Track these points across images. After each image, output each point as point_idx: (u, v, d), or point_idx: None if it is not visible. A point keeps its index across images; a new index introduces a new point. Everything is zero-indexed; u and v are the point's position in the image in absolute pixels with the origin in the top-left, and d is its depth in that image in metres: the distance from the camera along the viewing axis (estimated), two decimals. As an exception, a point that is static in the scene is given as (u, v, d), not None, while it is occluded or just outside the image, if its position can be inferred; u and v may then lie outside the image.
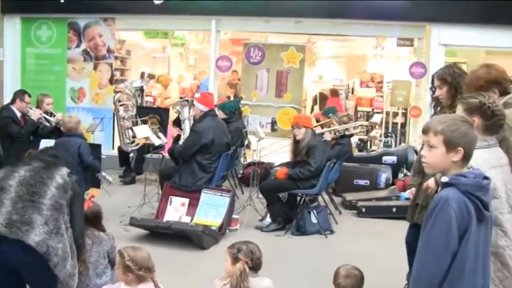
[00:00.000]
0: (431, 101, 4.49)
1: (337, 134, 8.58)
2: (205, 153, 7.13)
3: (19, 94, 8.70)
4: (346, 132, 8.69)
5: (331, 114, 9.13)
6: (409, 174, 8.81)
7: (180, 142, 8.22)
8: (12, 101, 8.67)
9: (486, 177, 2.59)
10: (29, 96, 8.67)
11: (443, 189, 2.58)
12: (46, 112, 8.63)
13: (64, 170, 3.73)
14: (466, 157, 2.58)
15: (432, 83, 4.43)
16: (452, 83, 4.20)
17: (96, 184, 7.28)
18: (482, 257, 2.57)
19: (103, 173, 7.01)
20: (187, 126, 8.41)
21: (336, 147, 8.34)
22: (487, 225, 2.62)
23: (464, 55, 11.95)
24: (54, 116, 8.52)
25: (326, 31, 11.27)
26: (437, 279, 2.50)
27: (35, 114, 8.44)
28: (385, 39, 12.91)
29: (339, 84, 16.19)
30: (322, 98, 13.99)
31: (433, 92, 4.39)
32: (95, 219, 4.33)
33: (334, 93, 13.62)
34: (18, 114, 8.53)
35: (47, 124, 8.48)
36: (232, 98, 11.36)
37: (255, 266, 3.65)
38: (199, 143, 7.08)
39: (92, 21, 11.21)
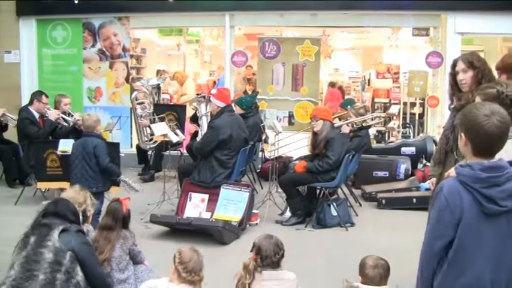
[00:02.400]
0: (449, 89, 4.33)
1: (354, 126, 8.52)
2: (223, 149, 7.11)
3: (36, 95, 8.76)
4: (364, 124, 8.63)
5: (349, 107, 9.07)
6: (428, 164, 8.75)
7: (198, 138, 8.22)
8: (30, 102, 8.74)
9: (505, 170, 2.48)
10: (47, 96, 8.73)
11: None
12: (64, 112, 8.67)
13: (55, 234, 3.48)
14: (476, 147, 2.51)
15: (453, 67, 4.25)
16: (480, 68, 4.07)
17: (116, 182, 7.28)
18: (494, 251, 2.49)
19: (125, 178, 6.80)
20: (204, 122, 8.40)
21: (354, 139, 8.28)
22: (510, 220, 2.50)
23: (481, 43, 11.83)
24: (72, 116, 8.55)
25: (341, 23, 11.22)
26: (429, 265, 2.54)
27: (52, 114, 8.48)
28: (400, 29, 12.80)
29: (355, 76, 16.16)
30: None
31: (453, 77, 4.22)
32: (128, 220, 4.41)
33: (332, 84, 13.69)
34: (36, 115, 8.59)
35: (65, 124, 8.51)
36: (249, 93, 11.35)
37: (271, 263, 3.62)
38: (217, 139, 7.06)
39: (106, 20, 11.31)
